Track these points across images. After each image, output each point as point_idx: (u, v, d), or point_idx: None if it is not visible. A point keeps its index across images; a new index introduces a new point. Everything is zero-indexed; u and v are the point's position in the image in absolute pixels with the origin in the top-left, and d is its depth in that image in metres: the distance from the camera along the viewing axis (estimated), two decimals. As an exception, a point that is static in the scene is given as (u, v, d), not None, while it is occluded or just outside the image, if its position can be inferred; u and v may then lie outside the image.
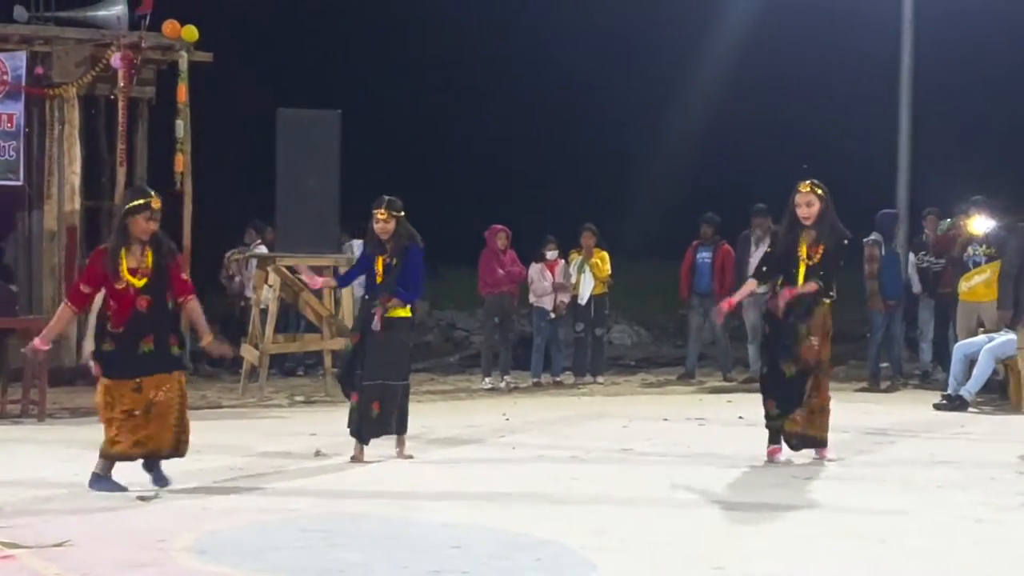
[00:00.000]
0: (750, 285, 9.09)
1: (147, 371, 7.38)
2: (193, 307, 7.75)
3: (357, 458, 8.60)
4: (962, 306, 13.19)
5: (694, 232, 15.23)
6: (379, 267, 8.73)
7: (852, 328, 18.76)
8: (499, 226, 14.20)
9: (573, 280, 14.72)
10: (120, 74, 14.87)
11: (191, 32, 14.94)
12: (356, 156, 14.49)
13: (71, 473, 7.97)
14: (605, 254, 14.81)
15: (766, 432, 8.66)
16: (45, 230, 14.90)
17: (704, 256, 14.96)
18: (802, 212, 8.55)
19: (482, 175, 24.54)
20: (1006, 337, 12.14)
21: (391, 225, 8.73)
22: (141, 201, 7.58)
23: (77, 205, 15.11)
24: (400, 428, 8.80)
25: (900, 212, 16.45)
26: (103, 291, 7.55)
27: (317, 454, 8.94)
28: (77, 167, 15.08)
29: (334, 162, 12.97)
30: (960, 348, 12.34)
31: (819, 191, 8.62)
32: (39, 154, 15.12)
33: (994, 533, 6.29)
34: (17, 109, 14.78)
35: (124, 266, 7.43)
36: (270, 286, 13.07)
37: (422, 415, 11.48)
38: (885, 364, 14.34)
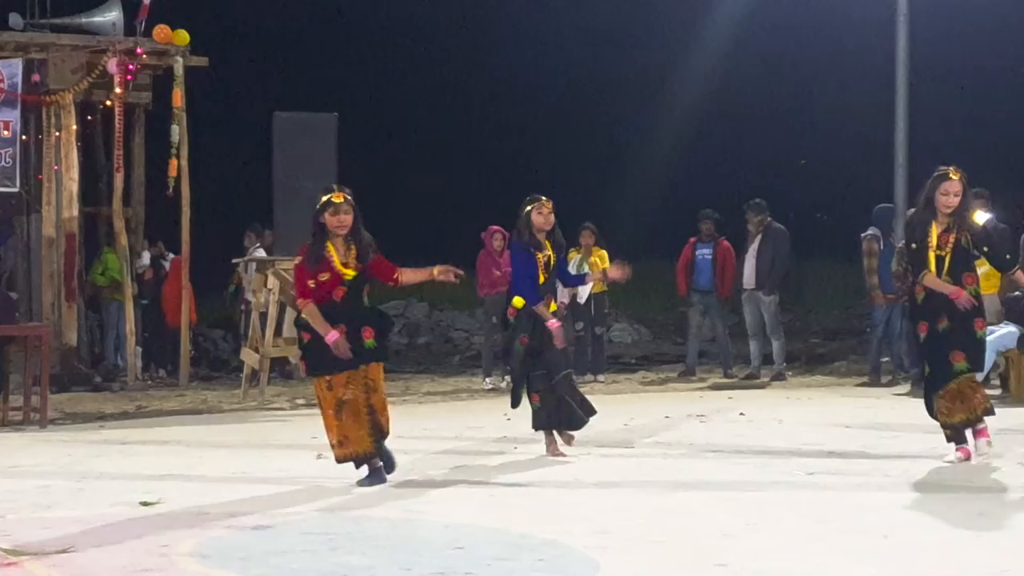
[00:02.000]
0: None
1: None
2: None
3: (554, 451, 8.70)
4: (961, 299, 13.17)
5: (692, 229, 15.23)
6: (541, 264, 8.57)
7: (853, 323, 18.80)
8: (495, 227, 14.21)
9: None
10: (116, 80, 14.88)
11: (182, 36, 14.95)
12: (352, 159, 14.48)
13: (73, 479, 7.97)
14: (604, 253, 14.81)
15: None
16: (44, 237, 14.91)
17: (704, 253, 14.96)
18: (944, 201, 8.19)
19: (478, 176, 24.55)
20: (1006, 329, 12.14)
21: (552, 217, 8.60)
22: (325, 199, 7.73)
23: (75, 211, 15.13)
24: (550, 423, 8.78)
25: (898, 206, 16.46)
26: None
27: (319, 457, 8.93)
28: (75, 173, 15.10)
29: (331, 165, 12.96)
30: (960, 341, 12.32)
31: (966, 182, 8.28)
32: (36, 161, 15.14)
33: (998, 526, 6.28)
34: (13, 116, 14.80)
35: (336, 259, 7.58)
36: (269, 289, 13.07)
37: (423, 417, 11.50)
38: (886, 359, 14.34)
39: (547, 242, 8.66)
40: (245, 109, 19.55)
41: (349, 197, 7.66)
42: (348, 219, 7.61)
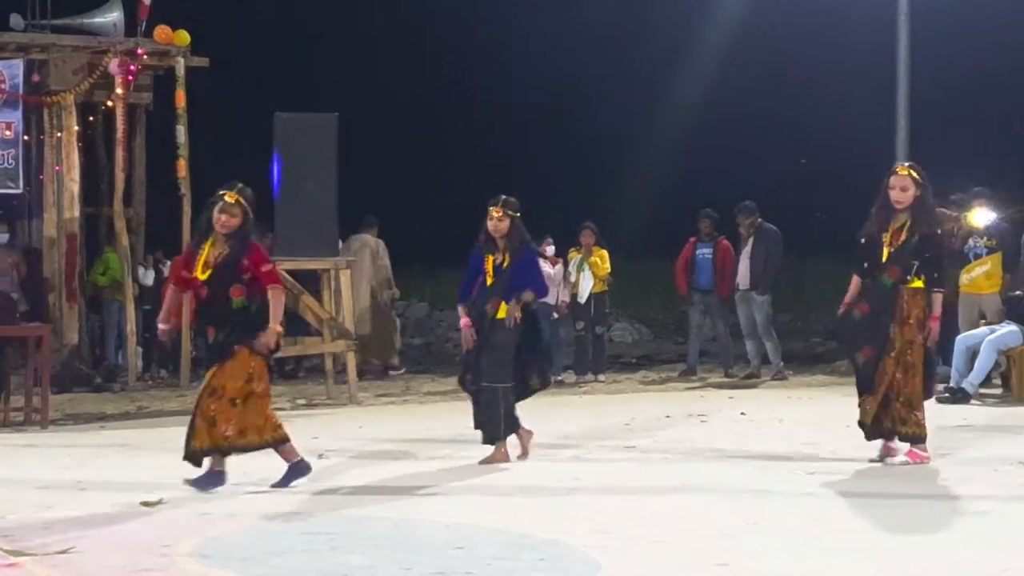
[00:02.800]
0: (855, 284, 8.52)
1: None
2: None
3: (503, 457, 8.56)
4: (963, 298, 13.19)
5: (692, 229, 15.24)
6: (489, 267, 8.58)
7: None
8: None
9: (573, 279, 14.73)
10: (117, 81, 14.88)
11: (183, 37, 14.95)
12: (353, 159, 14.50)
13: (74, 480, 7.98)
14: (604, 252, 14.81)
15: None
16: (45, 237, 14.90)
17: (704, 252, 14.97)
18: (895, 196, 8.17)
19: (479, 177, 24.53)
20: (1007, 328, 12.15)
21: (505, 224, 8.57)
22: (216, 195, 7.72)
23: (77, 212, 15.12)
24: (508, 431, 8.64)
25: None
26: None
27: (320, 457, 8.94)
28: (76, 174, 15.09)
29: (331, 165, 12.96)
30: (962, 340, 12.34)
31: (918, 177, 8.20)
32: (38, 162, 15.14)
33: (998, 525, 6.29)
34: (15, 117, 14.79)
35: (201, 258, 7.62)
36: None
37: (423, 416, 11.50)
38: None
39: (503, 247, 8.59)
40: (246, 109, 19.55)
41: (243, 200, 7.64)
42: (233, 221, 7.59)
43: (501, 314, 8.47)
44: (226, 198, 7.61)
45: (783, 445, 9.08)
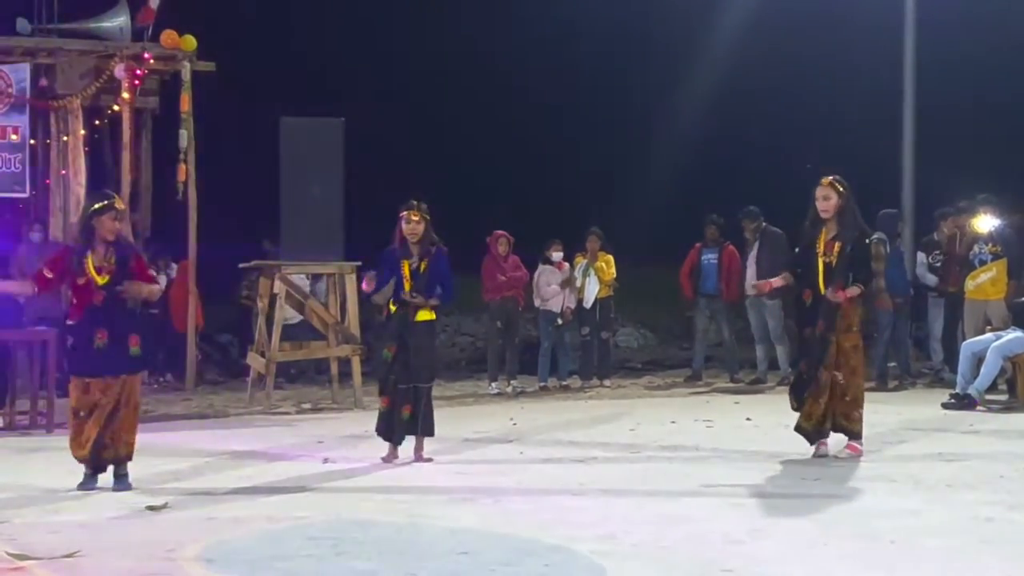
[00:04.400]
0: (786, 279, 9.22)
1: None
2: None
3: (390, 458, 8.83)
4: (969, 304, 13.19)
5: (698, 234, 15.23)
6: (406, 271, 8.78)
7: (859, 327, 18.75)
8: (500, 232, 14.22)
9: (578, 284, 14.72)
10: (124, 85, 14.90)
11: (190, 42, 14.97)
12: (359, 164, 14.49)
13: (79, 484, 7.97)
14: (610, 257, 14.80)
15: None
16: (51, 242, 14.90)
17: (710, 257, 14.96)
18: (820, 205, 8.80)
19: (485, 180, 24.57)
20: (1013, 335, 12.13)
21: (420, 228, 8.80)
22: (105, 202, 7.89)
23: (82, 216, 15.13)
24: (425, 430, 8.92)
25: (905, 211, 16.46)
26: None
27: (325, 461, 8.94)
28: (82, 178, 15.11)
29: (337, 170, 12.97)
30: (968, 346, 12.32)
31: (840, 188, 8.85)
32: (44, 166, 15.16)
33: (1005, 531, 6.27)
34: (22, 121, 14.83)
35: (90, 264, 7.76)
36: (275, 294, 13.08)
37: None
38: (893, 363, 14.32)
39: (417, 250, 8.80)
40: (252, 114, 19.56)
41: (123, 205, 8.06)
42: (120, 226, 7.90)
43: (421, 317, 8.79)
44: (117, 204, 7.89)
45: (789, 450, 9.06)
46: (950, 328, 14.22)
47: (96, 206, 7.86)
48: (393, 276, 8.87)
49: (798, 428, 8.80)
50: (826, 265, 8.66)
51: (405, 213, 8.80)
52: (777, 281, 9.45)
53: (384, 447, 8.91)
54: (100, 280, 7.74)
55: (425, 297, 8.78)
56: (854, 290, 8.63)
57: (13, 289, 8.88)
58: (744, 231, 14.74)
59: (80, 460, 7.85)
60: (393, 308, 8.83)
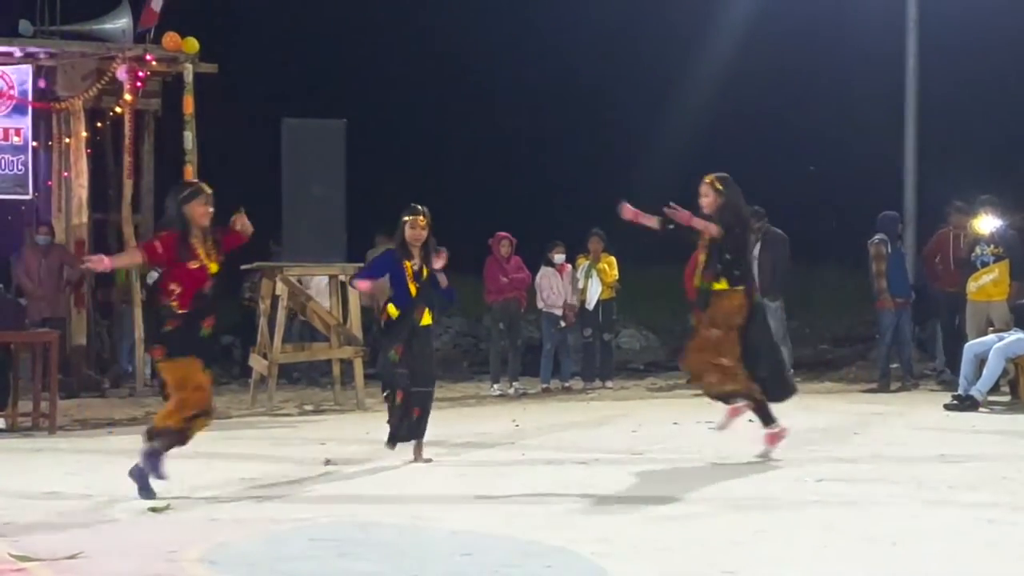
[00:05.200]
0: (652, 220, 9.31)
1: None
2: None
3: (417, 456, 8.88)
4: (971, 306, 13.19)
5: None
6: (409, 272, 8.74)
7: (861, 329, 18.77)
8: (502, 233, 14.23)
9: (581, 285, 14.73)
10: (126, 87, 14.91)
11: (192, 44, 14.98)
12: (361, 165, 14.50)
13: (82, 485, 7.99)
14: (612, 259, 14.81)
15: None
16: (56, 245, 14.91)
17: (712, 258, 14.94)
18: (701, 203, 9.08)
19: (487, 182, 24.55)
20: (1016, 336, 12.12)
21: (426, 233, 8.81)
22: (193, 188, 7.88)
23: (85, 218, 15.16)
24: (423, 432, 8.96)
25: (908, 213, 16.47)
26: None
27: (327, 463, 8.94)
28: (84, 180, 15.13)
29: (340, 171, 12.99)
30: (970, 348, 12.32)
31: (719, 185, 9.08)
32: (46, 168, 15.18)
33: (1007, 533, 6.27)
34: (24, 123, 14.85)
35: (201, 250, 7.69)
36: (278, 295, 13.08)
37: (431, 422, 11.46)
38: (895, 365, 14.32)
39: (419, 254, 8.82)
40: (254, 116, 19.57)
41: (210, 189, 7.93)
42: (210, 210, 7.88)
43: (425, 321, 8.78)
44: (206, 189, 7.83)
45: (791, 452, 9.06)
46: (949, 329, 14.22)
47: (185, 193, 7.78)
48: (386, 273, 8.87)
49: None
50: (702, 261, 8.96)
51: (411, 218, 8.77)
52: (647, 220, 9.35)
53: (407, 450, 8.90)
54: (213, 267, 7.70)
55: (427, 305, 8.79)
56: (696, 219, 8.86)
57: (123, 262, 8.54)
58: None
59: (175, 430, 7.64)
60: (395, 312, 8.77)
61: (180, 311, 7.60)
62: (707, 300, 8.87)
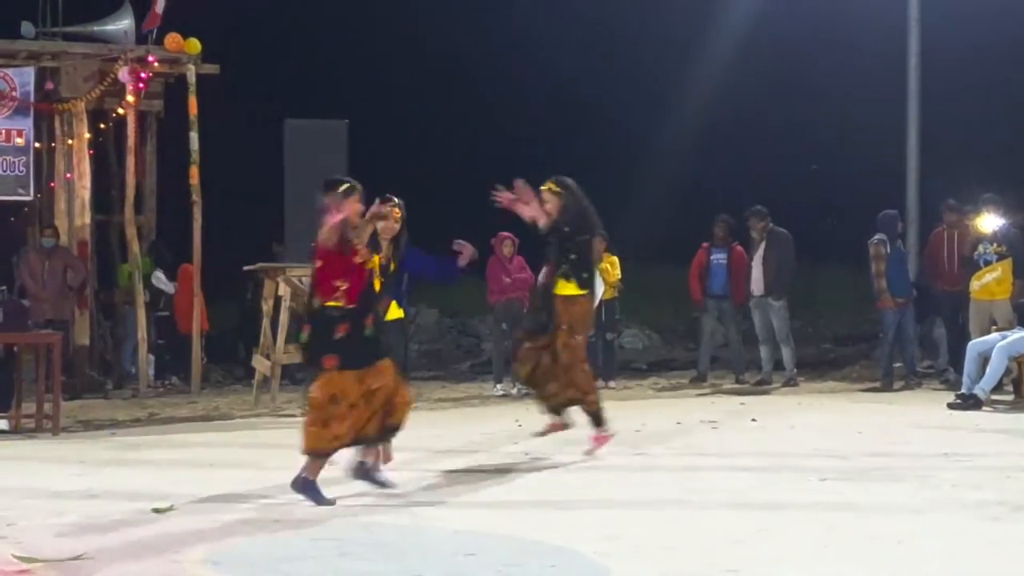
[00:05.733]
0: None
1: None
2: None
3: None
4: (974, 305, 13.19)
5: (703, 235, 15.22)
6: (376, 267, 8.11)
7: (864, 328, 18.77)
8: (505, 233, 14.22)
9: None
10: (128, 88, 14.92)
11: (194, 45, 14.99)
12: (364, 166, 14.49)
13: (85, 487, 7.99)
14: (615, 259, 14.80)
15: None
16: (62, 247, 14.91)
17: (719, 258, 14.95)
18: (545, 209, 8.96)
19: (488, 183, 24.53)
20: (1019, 334, 12.12)
21: (400, 227, 8.57)
22: (349, 184, 7.71)
23: (87, 219, 15.16)
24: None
25: (910, 211, 16.46)
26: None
27: (330, 464, 8.93)
28: (87, 181, 15.14)
29: (342, 172, 12.91)
30: (974, 347, 12.32)
31: (556, 188, 9.08)
32: (49, 169, 15.19)
33: (1011, 532, 6.27)
34: (26, 125, 14.86)
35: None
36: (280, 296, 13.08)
37: (434, 423, 11.49)
38: (898, 364, 14.32)
39: (388, 247, 8.48)
40: (256, 116, 19.58)
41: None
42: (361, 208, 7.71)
43: (393, 315, 8.42)
44: (358, 187, 7.67)
45: (794, 452, 9.07)
46: (953, 327, 14.21)
47: (343, 188, 7.58)
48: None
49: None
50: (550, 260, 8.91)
51: (391, 209, 8.39)
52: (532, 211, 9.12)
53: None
54: (372, 263, 7.53)
55: (393, 299, 8.39)
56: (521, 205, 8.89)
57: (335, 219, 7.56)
58: (751, 230, 14.73)
59: (319, 453, 7.25)
60: None
61: (348, 306, 7.26)
62: (551, 301, 8.83)
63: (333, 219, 7.39)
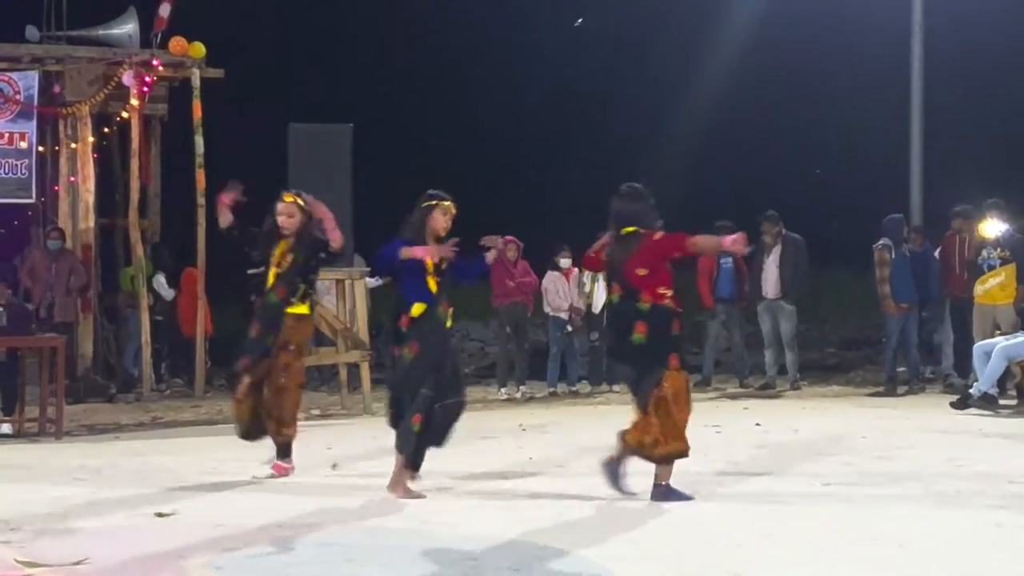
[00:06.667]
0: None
1: None
2: None
3: (405, 491, 7.68)
4: (978, 309, 13.19)
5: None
6: (430, 266, 7.70)
7: (868, 333, 18.75)
8: (509, 237, 14.23)
9: (587, 289, 14.73)
10: (132, 92, 14.93)
11: (198, 49, 15.00)
12: (368, 169, 14.51)
13: (89, 491, 7.99)
14: (618, 263, 14.79)
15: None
16: (66, 250, 14.92)
17: (727, 261, 14.94)
18: (282, 221, 8.46)
19: (494, 186, 24.54)
20: (1022, 338, 12.12)
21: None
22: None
23: (91, 223, 15.17)
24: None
25: (913, 216, 16.44)
26: None
27: (334, 467, 8.95)
28: (91, 185, 15.15)
29: (346, 176, 13.00)
30: (979, 348, 12.35)
31: (300, 202, 8.53)
32: (53, 172, 15.20)
33: (1013, 537, 6.26)
34: (30, 128, 14.87)
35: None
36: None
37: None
38: (902, 368, 14.31)
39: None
40: (260, 121, 19.59)
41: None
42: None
43: (449, 322, 7.91)
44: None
45: (798, 456, 9.06)
46: (959, 334, 14.20)
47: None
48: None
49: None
50: (278, 275, 8.41)
51: (443, 204, 7.86)
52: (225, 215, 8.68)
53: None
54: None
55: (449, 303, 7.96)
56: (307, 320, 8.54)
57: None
58: (764, 235, 14.71)
59: (685, 454, 7.41)
60: (418, 310, 7.67)
61: (680, 309, 7.42)
62: (279, 319, 8.35)
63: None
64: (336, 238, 8.53)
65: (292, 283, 8.41)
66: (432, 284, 7.67)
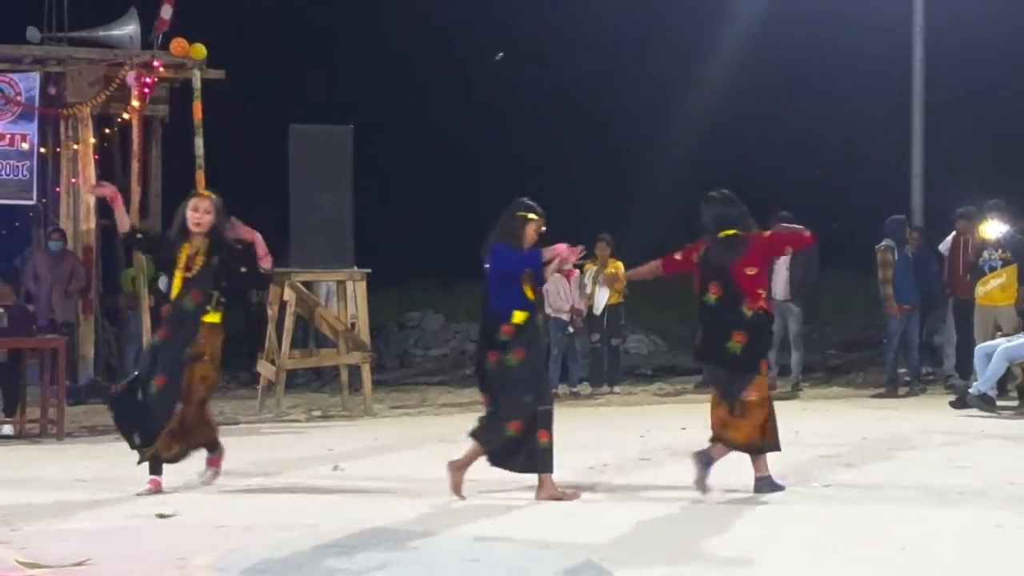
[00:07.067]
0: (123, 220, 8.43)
1: None
2: None
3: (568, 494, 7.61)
4: (979, 310, 13.18)
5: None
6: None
7: (869, 334, 18.76)
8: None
9: (588, 291, 14.73)
10: (134, 93, 14.93)
11: (199, 51, 14.99)
12: (369, 171, 14.51)
13: (90, 492, 7.99)
14: (620, 264, 14.78)
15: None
16: (68, 251, 14.91)
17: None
18: (196, 218, 8.05)
19: (493, 188, 24.53)
20: (1022, 340, 12.12)
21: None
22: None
23: (92, 224, 15.16)
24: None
25: (914, 216, 16.43)
26: None
27: (335, 469, 8.95)
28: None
29: (347, 177, 12.99)
30: (981, 349, 12.35)
31: (219, 205, 8.15)
32: (54, 174, 15.19)
33: (1014, 537, 6.26)
34: (31, 129, 14.86)
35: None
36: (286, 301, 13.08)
37: (439, 427, 11.49)
38: (903, 369, 14.30)
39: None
40: (261, 122, 19.59)
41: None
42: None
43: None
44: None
45: (800, 457, 9.05)
46: (962, 336, 14.19)
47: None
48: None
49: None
50: (188, 279, 7.98)
51: (538, 219, 7.76)
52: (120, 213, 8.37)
53: None
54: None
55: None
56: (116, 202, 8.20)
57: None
58: None
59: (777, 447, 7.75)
60: (521, 318, 7.66)
61: (772, 311, 7.75)
62: (196, 327, 7.94)
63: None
64: (267, 264, 8.39)
65: (205, 288, 7.96)
66: (529, 292, 7.68)
